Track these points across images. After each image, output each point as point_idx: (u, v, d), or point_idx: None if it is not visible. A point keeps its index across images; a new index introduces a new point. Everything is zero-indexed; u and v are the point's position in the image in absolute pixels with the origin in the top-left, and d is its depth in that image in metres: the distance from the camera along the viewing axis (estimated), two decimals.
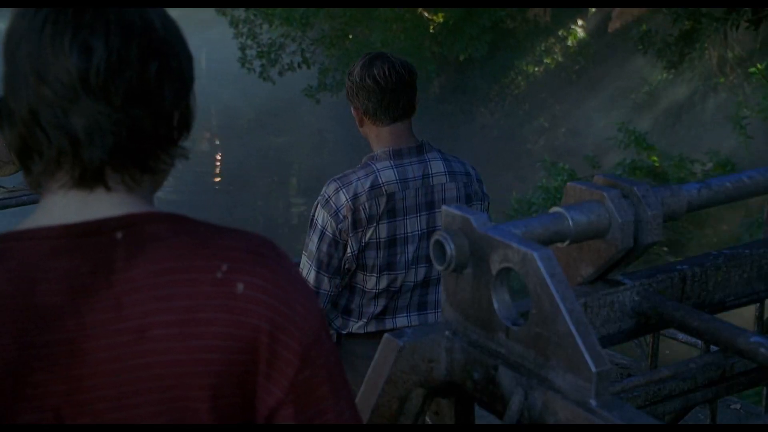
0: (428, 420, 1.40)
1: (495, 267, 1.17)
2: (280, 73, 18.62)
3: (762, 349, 1.20)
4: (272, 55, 18.59)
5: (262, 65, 18.58)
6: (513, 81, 19.17)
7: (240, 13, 19.53)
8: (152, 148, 1.06)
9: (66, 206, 1.05)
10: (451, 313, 1.28)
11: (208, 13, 20.93)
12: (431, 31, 18.56)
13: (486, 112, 19.13)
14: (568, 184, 1.37)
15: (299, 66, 18.55)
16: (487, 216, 1.22)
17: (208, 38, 22.07)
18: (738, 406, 4.47)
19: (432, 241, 1.25)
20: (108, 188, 1.05)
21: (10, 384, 0.99)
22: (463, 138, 17.13)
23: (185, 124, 1.11)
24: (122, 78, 1.01)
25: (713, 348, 1.47)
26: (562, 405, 1.10)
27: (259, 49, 18.76)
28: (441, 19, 18.32)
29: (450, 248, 1.21)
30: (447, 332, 1.28)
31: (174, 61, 1.07)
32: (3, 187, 4.31)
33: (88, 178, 1.04)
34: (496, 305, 1.19)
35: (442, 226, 1.26)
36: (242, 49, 18.97)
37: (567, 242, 1.30)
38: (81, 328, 1.00)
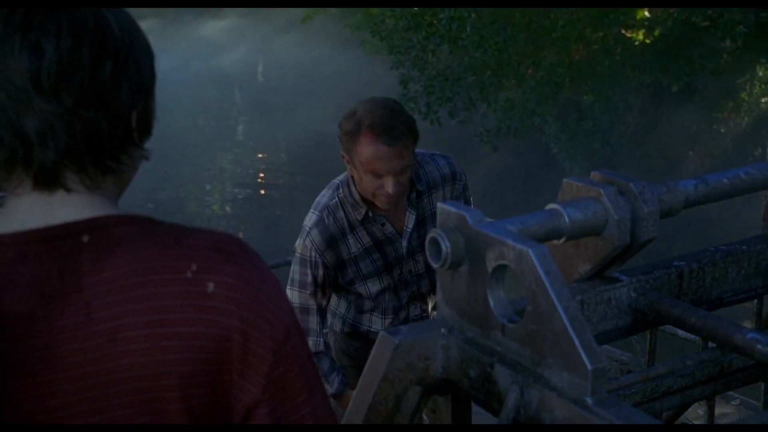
0: (425, 418, 1.39)
1: (491, 264, 1.17)
2: (452, 114, 13.76)
3: (759, 346, 1.20)
4: (447, 91, 13.51)
5: (428, 103, 13.66)
6: (732, 114, 14.20)
7: (396, 33, 14.50)
8: (111, 148, 1.05)
9: (28, 210, 1.04)
10: (447, 311, 1.28)
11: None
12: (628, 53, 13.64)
13: (695, 157, 13.99)
14: (564, 180, 1.37)
15: (473, 105, 13.66)
16: (482, 213, 1.22)
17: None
18: (737, 402, 4.46)
19: (428, 238, 1.25)
20: (67, 190, 1.04)
21: None
22: None
23: (145, 125, 1.10)
24: (74, 79, 1.00)
25: (711, 344, 1.47)
26: (558, 403, 1.09)
27: (428, 82, 13.75)
28: (641, 37, 13.79)
29: (446, 245, 1.20)
30: (443, 330, 1.27)
31: (131, 62, 1.05)
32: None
33: (44, 180, 1.03)
34: (491, 302, 1.19)
35: (438, 224, 1.25)
36: (404, 82, 13.86)
37: (563, 239, 1.29)
38: (51, 334, 0.99)
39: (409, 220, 2.79)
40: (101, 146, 1.04)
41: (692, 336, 4.08)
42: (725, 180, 1.41)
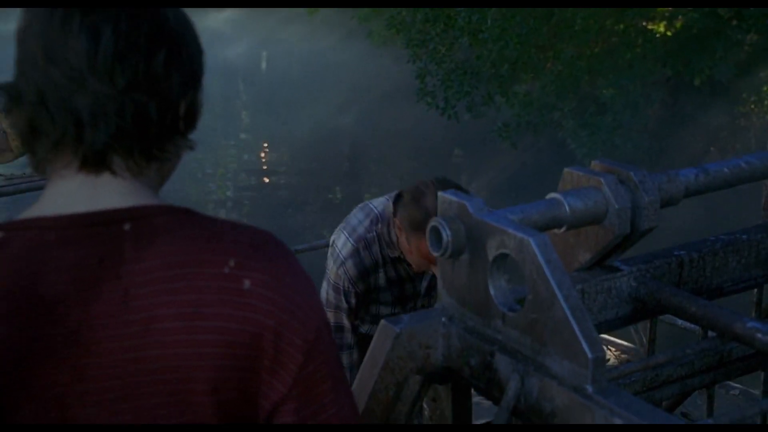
0: (425, 406, 1.40)
1: (491, 253, 1.17)
2: (470, 109, 13.51)
3: (759, 335, 1.20)
4: (465, 85, 13.19)
5: (446, 98, 13.34)
6: (756, 109, 13.51)
7: (413, 26, 14.19)
8: (157, 135, 1.06)
9: (72, 193, 1.05)
10: (447, 299, 1.28)
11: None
12: (646, 46, 13.05)
13: (716, 152, 13.32)
14: (565, 169, 1.37)
15: (491, 99, 13.35)
16: (483, 202, 1.22)
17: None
18: (737, 392, 4.46)
19: (429, 227, 1.25)
20: (113, 173, 1.05)
21: (14, 374, 0.99)
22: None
23: (192, 116, 1.11)
24: (128, 63, 1.01)
25: (711, 334, 1.47)
26: (558, 391, 1.10)
27: (446, 76, 13.45)
28: (662, 29, 13.25)
29: (446, 234, 1.20)
30: (444, 318, 1.27)
31: (183, 53, 1.07)
32: (1, 175, 4.30)
33: (92, 162, 1.04)
34: (492, 291, 1.19)
35: (439, 213, 1.25)
36: (421, 76, 13.58)
37: (564, 228, 1.30)
38: (87, 319, 1.00)
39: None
40: (149, 132, 1.05)
41: (692, 326, 4.08)
42: (725, 169, 1.42)
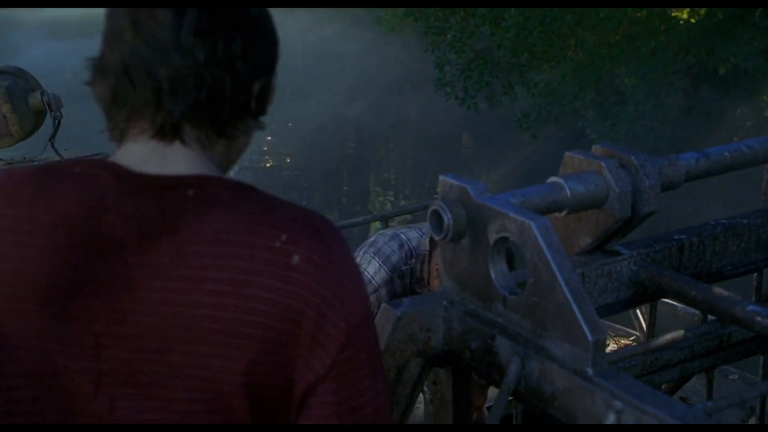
0: (426, 390, 1.40)
1: (492, 237, 1.17)
2: (490, 99, 13.21)
3: (759, 318, 1.20)
4: (486, 74, 12.83)
5: (465, 88, 12.96)
6: None
7: (432, 14, 13.73)
8: (230, 112, 1.12)
9: (143, 157, 1.10)
10: (448, 283, 1.29)
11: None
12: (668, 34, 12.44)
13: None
14: (566, 153, 1.37)
15: (512, 88, 13.04)
16: (484, 186, 1.22)
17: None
18: (735, 376, 4.48)
19: (430, 211, 1.25)
20: (183, 143, 1.10)
21: (61, 302, 1.04)
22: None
23: (264, 99, 1.16)
24: (209, 40, 1.08)
25: (711, 319, 1.48)
26: (559, 373, 1.10)
27: (466, 66, 13.06)
28: (685, 16, 12.55)
29: (447, 218, 1.21)
30: (444, 302, 1.28)
31: (261, 39, 1.14)
32: (1, 160, 4.30)
33: (167, 131, 1.10)
34: (493, 275, 1.19)
35: (440, 196, 1.25)
36: (439, 65, 13.22)
37: (565, 212, 1.30)
38: (139, 266, 1.04)
39: None
40: (222, 108, 1.11)
41: (691, 311, 4.09)
42: (726, 153, 1.42)
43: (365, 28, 22.82)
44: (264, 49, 1.14)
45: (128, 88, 1.09)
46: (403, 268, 2.75)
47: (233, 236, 1.05)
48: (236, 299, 1.03)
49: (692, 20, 12.60)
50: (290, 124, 18.38)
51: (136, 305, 1.04)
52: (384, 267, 2.76)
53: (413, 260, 2.76)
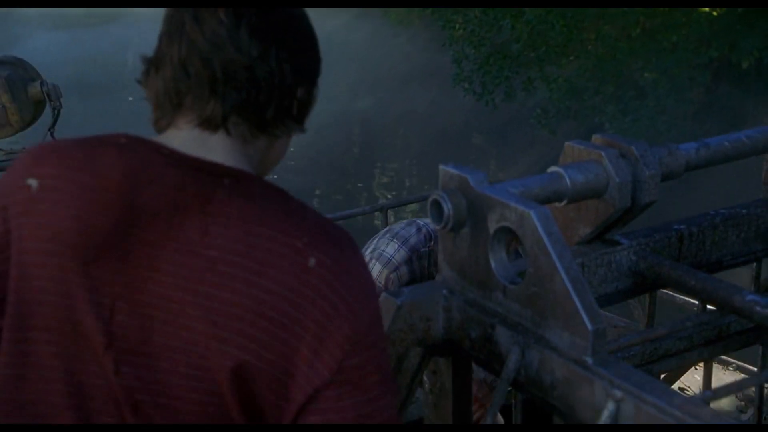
0: (425, 379, 1.41)
1: (492, 226, 1.17)
2: (509, 95, 12.71)
3: (758, 308, 1.20)
4: (505, 70, 12.42)
5: (483, 83, 12.55)
6: None
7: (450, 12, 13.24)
8: (275, 111, 1.18)
9: (187, 142, 1.16)
10: (448, 273, 1.29)
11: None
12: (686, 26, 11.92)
13: None
14: (567, 143, 1.37)
15: (531, 83, 12.60)
16: (485, 175, 1.22)
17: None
18: (734, 367, 4.48)
19: (430, 200, 1.25)
20: (228, 133, 1.17)
21: (89, 262, 1.11)
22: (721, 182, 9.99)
23: (305, 106, 1.23)
24: (263, 41, 1.16)
25: (710, 309, 1.48)
26: (558, 363, 1.11)
27: (484, 60, 12.65)
28: (707, 9, 12.16)
29: (447, 207, 1.21)
30: (444, 291, 1.28)
31: (306, 51, 1.23)
32: (1, 150, 4.30)
33: (214, 122, 1.16)
34: (493, 264, 1.20)
35: (440, 186, 1.26)
36: (457, 60, 12.87)
37: (564, 202, 1.30)
38: (164, 237, 1.10)
39: None
40: (269, 105, 1.18)
41: (690, 302, 4.10)
42: (726, 143, 1.42)
43: (371, 20, 22.59)
44: (309, 59, 1.23)
45: (183, 79, 1.16)
46: (422, 250, 2.77)
47: (257, 227, 1.10)
48: (248, 286, 1.07)
49: (714, 13, 12.28)
50: None
51: (155, 274, 1.09)
52: (403, 247, 2.77)
53: (432, 243, 2.77)
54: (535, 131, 13.02)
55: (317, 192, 13.54)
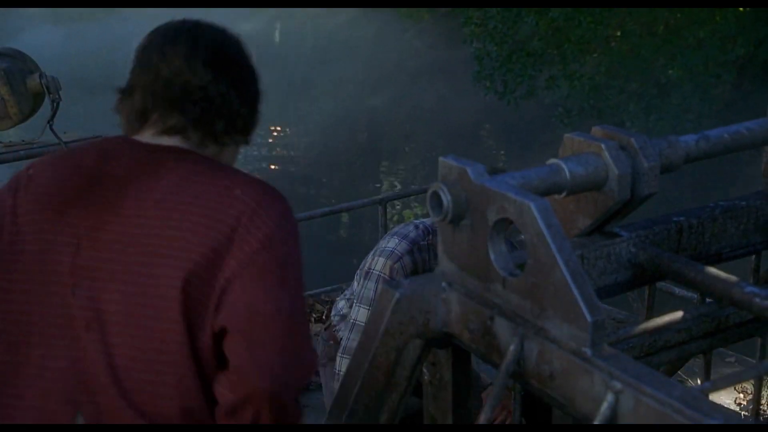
0: (425, 371, 1.41)
1: (492, 218, 1.17)
2: (531, 93, 12.53)
3: (757, 299, 1.20)
4: (528, 68, 12.13)
5: (505, 82, 12.34)
6: None
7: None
8: (224, 125, 1.57)
9: (150, 139, 1.55)
10: (447, 265, 1.29)
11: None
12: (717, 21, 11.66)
13: None
14: (566, 135, 1.37)
15: (554, 81, 12.32)
16: (484, 167, 1.22)
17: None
18: (732, 359, 4.50)
19: (429, 192, 1.25)
20: (183, 138, 1.55)
21: (62, 211, 1.48)
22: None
23: (249, 122, 1.62)
24: (214, 69, 1.54)
25: (709, 301, 1.48)
26: (558, 354, 1.11)
27: (507, 58, 12.34)
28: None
29: (447, 199, 1.21)
30: (444, 283, 1.28)
31: (247, 78, 1.61)
32: (0, 142, 4.29)
33: (174, 129, 1.54)
34: (492, 256, 1.20)
35: (440, 178, 1.26)
36: (479, 58, 12.58)
37: (564, 194, 1.30)
38: (123, 193, 1.47)
39: None
40: (219, 120, 1.56)
41: (689, 295, 4.10)
42: (726, 135, 1.41)
43: (378, 14, 22.38)
44: (251, 89, 1.62)
45: (150, 100, 1.55)
46: (422, 243, 2.95)
47: (195, 177, 1.48)
48: (185, 213, 1.43)
49: (741, 9, 12.11)
50: (301, 118, 17.97)
51: (116, 218, 1.45)
52: (404, 241, 2.96)
53: (431, 236, 2.96)
54: (548, 130, 12.89)
55: (323, 191, 13.47)
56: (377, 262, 2.93)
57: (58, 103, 4.19)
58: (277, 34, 29.02)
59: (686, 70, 11.71)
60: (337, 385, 3.10)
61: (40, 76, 4.13)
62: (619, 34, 12.26)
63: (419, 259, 2.94)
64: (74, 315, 1.44)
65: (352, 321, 2.98)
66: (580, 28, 11.86)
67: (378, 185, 14.16)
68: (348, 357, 2.93)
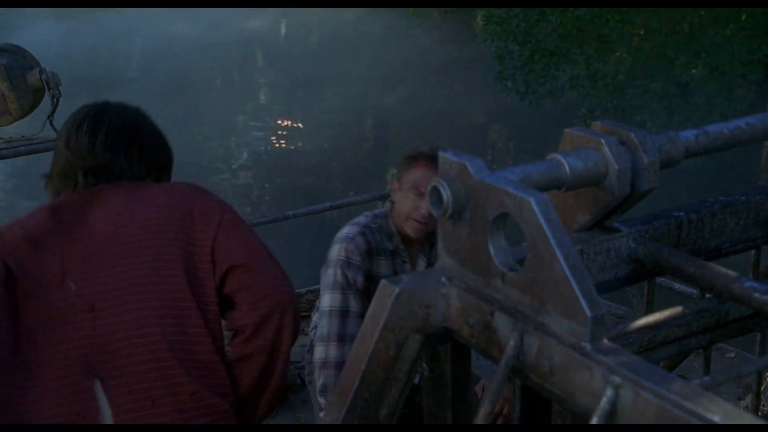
0: (425, 366, 1.41)
1: (492, 213, 1.17)
2: (553, 93, 12.38)
3: (756, 294, 1.20)
4: (552, 67, 11.95)
5: (527, 82, 12.25)
6: None
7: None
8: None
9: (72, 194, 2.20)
10: (447, 260, 1.29)
11: None
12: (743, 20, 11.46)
13: None
14: (566, 130, 1.37)
15: (577, 81, 12.10)
16: (484, 163, 1.22)
17: None
18: (732, 354, 4.50)
19: (429, 187, 1.25)
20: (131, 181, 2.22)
21: (33, 245, 1.99)
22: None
23: (159, 176, 2.22)
24: (113, 150, 2.11)
25: (708, 297, 1.48)
26: (557, 349, 1.11)
27: (529, 57, 12.16)
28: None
29: (446, 194, 1.21)
30: (443, 278, 1.28)
31: (150, 151, 2.18)
32: (1, 138, 4.29)
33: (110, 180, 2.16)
34: (492, 251, 1.20)
35: (439, 173, 1.26)
36: (500, 57, 12.50)
37: (563, 189, 1.30)
38: (86, 213, 2.00)
39: (419, 265, 3.37)
40: (147, 173, 2.20)
41: (689, 290, 4.11)
42: (726, 130, 1.41)
43: (385, 11, 22.20)
44: (152, 154, 2.17)
45: (62, 180, 2.10)
46: (373, 225, 3.27)
47: (138, 188, 2.03)
48: (147, 210, 1.93)
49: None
50: (305, 116, 17.82)
51: (88, 228, 1.93)
52: (356, 225, 3.28)
53: (379, 220, 3.30)
54: (558, 130, 12.86)
55: (330, 192, 13.42)
56: (333, 249, 3.22)
57: (58, 99, 4.20)
58: (282, 29, 28.91)
59: (710, 69, 11.47)
60: (317, 374, 3.14)
61: (40, 72, 4.13)
62: (642, 32, 12.05)
63: (372, 240, 3.20)
64: (76, 303, 1.88)
65: (318, 309, 3.22)
66: (606, 26, 11.63)
67: (385, 181, 14.13)
68: (322, 343, 2.98)
